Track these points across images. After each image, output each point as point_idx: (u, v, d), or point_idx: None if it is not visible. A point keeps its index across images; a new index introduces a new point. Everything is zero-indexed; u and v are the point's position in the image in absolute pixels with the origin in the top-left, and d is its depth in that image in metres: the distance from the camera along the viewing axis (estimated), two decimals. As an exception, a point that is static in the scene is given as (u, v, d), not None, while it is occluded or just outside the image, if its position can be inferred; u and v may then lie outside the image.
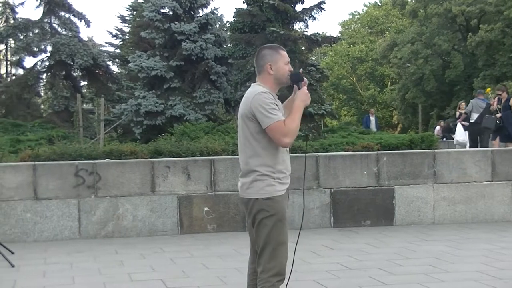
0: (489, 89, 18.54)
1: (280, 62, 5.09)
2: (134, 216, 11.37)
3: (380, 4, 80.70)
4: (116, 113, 31.58)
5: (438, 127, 37.04)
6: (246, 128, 5.03)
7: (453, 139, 24.73)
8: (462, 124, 23.18)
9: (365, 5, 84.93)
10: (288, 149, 5.17)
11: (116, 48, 46.86)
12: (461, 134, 23.03)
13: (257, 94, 4.96)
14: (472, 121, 20.98)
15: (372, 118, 30.36)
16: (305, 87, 5.08)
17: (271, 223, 5.13)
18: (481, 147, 18.89)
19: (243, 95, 18.34)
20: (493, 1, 49.60)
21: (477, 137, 20.58)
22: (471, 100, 22.46)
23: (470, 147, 20.53)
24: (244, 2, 32.33)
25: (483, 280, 7.51)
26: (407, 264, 8.59)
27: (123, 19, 46.72)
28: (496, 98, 19.47)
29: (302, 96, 5.02)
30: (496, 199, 12.29)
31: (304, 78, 5.17)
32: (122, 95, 35.06)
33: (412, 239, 10.50)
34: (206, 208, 11.55)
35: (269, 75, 5.10)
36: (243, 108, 5.06)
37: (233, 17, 32.68)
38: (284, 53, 5.16)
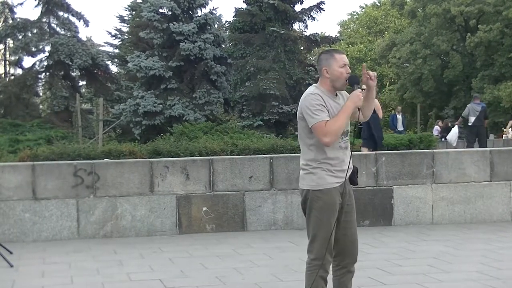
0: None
1: (334, 65, 5.40)
2: (133, 216, 11.36)
3: (379, 4, 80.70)
4: (115, 113, 31.62)
5: (437, 127, 37.01)
6: (300, 126, 5.47)
7: (461, 138, 25.31)
8: (459, 127, 24.16)
9: (361, 7, 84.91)
10: (345, 146, 5.46)
11: (115, 48, 46.87)
12: (451, 134, 24.16)
13: (307, 96, 5.41)
14: (469, 124, 21.91)
15: (399, 117, 28.41)
16: (358, 90, 5.32)
17: (316, 212, 5.43)
18: (479, 147, 19.47)
19: (242, 95, 18.41)
20: (491, 2, 49.63)
21: (475, 138, 21.34)
22: (467, 105, 23.39)
23: (468, 147, 20.82)
24: (244, 2, 32.36)
25: (482, 280, 7.51)
26: (406, 264, 8.59)
27: (122, 19, 46.73)
28: None
29: (353, 98, 5.29)
30: (495, 199, 12.28)
31: (363, 80, 5.45)
32: (121, 95, 35.10)
33: (411, 239, 10.50)
34: (205, 208, 11.54)
35: (326, 78, 5.46)
36: (298, 108, 5.50)
37: (233, 16, 32.72)
38: (340, 56, 5.44)
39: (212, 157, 12.60)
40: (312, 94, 5.38)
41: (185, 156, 13.89)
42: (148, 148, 15.75)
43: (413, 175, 12.07)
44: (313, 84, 5.60)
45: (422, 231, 11.30)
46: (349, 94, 5.51)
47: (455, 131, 24.42)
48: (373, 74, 5.43)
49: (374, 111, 15.22)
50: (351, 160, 5.48)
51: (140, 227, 11.39)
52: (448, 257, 8.98)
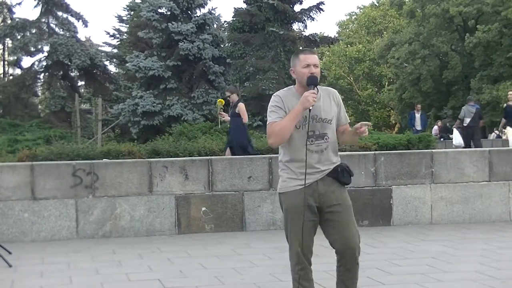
0: (221, 100, 17.15)
1: (298, 66, 5.40)
2: (132, 216, 11.36)
3: (377, 5, 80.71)
4: (114, 113, 31.62)
5: (435, 127, 36.99)
6: None
7: (450, 139, 25.80)
8: (457, 129, 24.82)
9: (359, 7, 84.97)
10: (317, 149, 5.37)
11: (114, 48, 46.85)
12: (456, 138, 24.61)
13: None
14: (465, 125, 23.18)
15: (418, 115, 28.18)
16: (311, 91, 5.23)
17: (284, 216, 5.60)
18: (474, 147, 20.43)
19: (241, 95, 18.36)
20: (490, 2, 49.65)
21: (470, 138, 22.72)
22: (462, 107, 24.29)
23: (465, 147, 21.14)
24: (244, 2, 32.36)
25: (481, 280, 7.51)
26: (405, 264, 8.59)
27: (120, 19, 46.71)
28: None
29: (302, 99, 5.22)
30: (494, 199, 12.29)
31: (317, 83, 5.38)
32: (120, 95, 35.08)
33: (410, 239, 10.50)
34: (203, 208, 11.54)
35: (296, 79, 5.47)
36: None
37: (232, 16, 32.71)
38: (304, 56, 5.40)
39: (211, 157, 12.60)
40: (273, 96, 5.45)
41: (184, 156, 13.89)
42: (147, 148, 15.75)
43: (412, 175, 12.07)
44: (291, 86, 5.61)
45: (421, 231, 11.30)
46: (338, 93, 5.59)
47: (456, 135, 24.94)
48: (362, 130, 5.32)
49: (238, 115, 14.82)
50: (337, 161, 5.44)
51: (139, 227, 11.39)
52: (447, 257, 8.98)
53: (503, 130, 24.30)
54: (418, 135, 19.82)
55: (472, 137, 22.97)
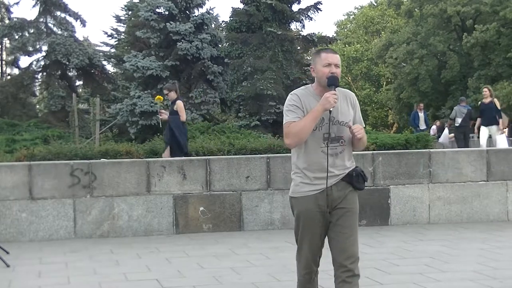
0: (159, 96, 16.55)
1: (318, 64, 5.26)
2: (130, 216, 11.36)
3: (375, 4, 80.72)
4: (112, 113, 31.58)
5: (433, 127, 37.00)
6: None
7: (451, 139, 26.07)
8: (448, 129, 25.28)
9: (357, 7, 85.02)
10: (333, 152, 5.19)
11: (112, 48, 46.80)
12: (442, 137, 25.10)
13: (288, 95, 5.32)
14: (457, 125, 23.51)
15: (421, 114, 27.97)
16: (331, 92, 5.07)
17: (295, 220, 5.38)
18: (464, 147, 20.39)
19: (239, 95, 18.48)
20: (488, 2, 49.66)
21: (463, 138, 23.08)
22: (454, 107, 24.92)
23: (458, 147, 21.29)
24: (241, 2, 32.33)
25: (479, 280, 7.51)
26: (403, 263, 8.60)
27: (118, 19, 46.64)
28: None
29: (322, 100, 5.06)
30: (492, 199, 12.30)
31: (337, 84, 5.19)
32: (118, 95, 35.04)
33: (408, 239, 10.51)
34: (201, 208, 11.54)
35: (315, 77, 5.32)
36: None
37: (230, 16, 32.66)
38: (326, 55, 5.25)
39: (209, 157, 12.60)
40: (290, 95, 5.29)
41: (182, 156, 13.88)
42: (145, 148, 15.75)
43: (410, 174, 12.08)
44: (308, 85, 5.47)
45: (419, 231, 11.31)
46: (355, 96, 5.43)
47: (446, 133, 25.65)
48: (356, 130, 5.16)
49: (177, 113, 14.41)
50: (352, 166, 5.27)
51: (137, 227, 11.39)
52: (444, 256, 8.99)
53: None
54: (416, 134, 19.83)
55: (464, 137, 23.43)
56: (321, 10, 33.29)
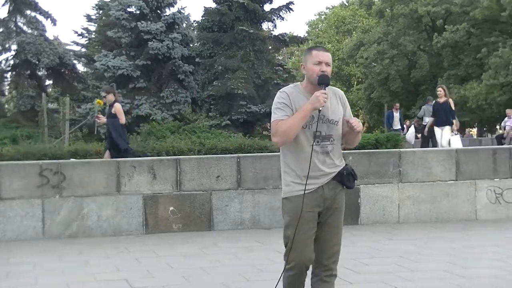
0: (99, 100, 16.35)
1: (308, 62, 5.16)
2: (99, 216, 11.29)
3: (347, 4, 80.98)
4: (82, 113, 31.39)
5: (404, 127, 37.09)
6: None
7: (418, 138, 26.14)
8: (415, 127, 25.40)
9: (328, 8, 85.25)
10: (323, 151, 5.15)
11: (82, 47, 46.56)
12: (408, 134, 25.25)
13: (277, 93, 5.24)
14: (424, 124, 23.30)
15: (396, 114, 27.56)
16: (322, 91, 5.01)
17: (285, 220, 5.33)
18: (432, 146, 20.28)
19: (210, 94, 18.36)
20: (458, 2, 49.96)
21: (429, 137, 22.64)
22: (422, 107, 25.60)
23: (423, 146, 21.29)
24: (214, 1, 32.33)
25: (448, 279, 7.55)
26: (372, 263, 8.62)
27: (89, 18, 46.42)
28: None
29: (312, 99, 5.00)
30: (461, 198, 12.37)
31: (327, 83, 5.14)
32: (88, 95, 34.81)
33: (378, 238, 10.54)
34: (171, 208, 11.50)
35: (305, 75, 5.23)
36: None
37: (202, 16, 32.65)
38: (316, 53, 5.17)
39: (179, 156, 12.57)
40: (279, 92, 5.19)
41: (152, 156, 13.84)
42: (115, 148, 15.65)
43: (380, 174, 12.12)
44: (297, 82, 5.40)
45: (388, 230, 11.35)
46: (344, 94, 5.39)
47: (411, 131, 25.90)
48: (355, 124, 5.15)
49: (115, 116, 14.14)
50: (342, 164, 5.26)
51: (107, 227, 11.32)
52: (414, 256, 9.02)
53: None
54: (386, 134, 19.90)
55: (430, 135, 22.83)
56: (292, 10, 33.39)
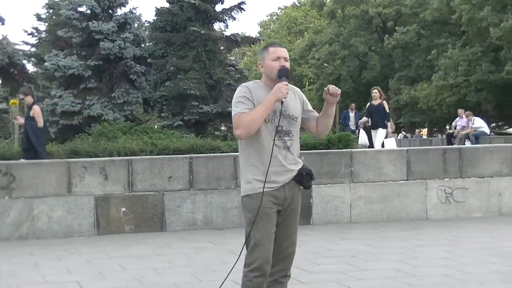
0: (14, 101, 16.24)
1: (266, 59, 5.16)
2: (50, 217, 11.18)
3: (298, 5, 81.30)
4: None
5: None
6: None
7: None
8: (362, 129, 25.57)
9: (280, 8, 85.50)
10: (284, 146, 5.10)
11: (32, 47, 46.09)
12: (361, 137, 25.24)
13: (237, 88, 5.19)
14: (369, 125, 23.38)
15: (352, 115, 27.41)
16: (283, 82, 5.00)
17: (246, 220, 5.14)
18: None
19: (162, 95, 18.28)
20: (409, 4, 50.49)
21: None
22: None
23: (368, 146, 21.38)
24: (167, 1, 32.23)
25: (399, 278, 7.61)
26: (324, 262, 8.65)
27: (39, 17, 45.98)
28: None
29: (274, 90, 4.97)
30: (411, 198, 12.49)
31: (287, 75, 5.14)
32: (38, 95, 34.47)
33: (330, 238, 10.59)
34: (123, 209, 11.43)
35: (263, 73, 5.22)
36: None
37: (154, 16, 32.52)
38: (274, 49, 5.19)
39: (131, 157, 12.49)
40: (240, 87, 5.16)
41: (103, 157, 13.72)
42: (66, 148, 15.50)
43: (332, 174, 12.18)
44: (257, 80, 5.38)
45: (340, 230, 11.41)
46: (301, 92, 5.37)
47: (363, 133, 25.78)
48: (333, 90, 5.17)
49: (33, 118, 14.17)
50: (300, 164, 5.18)
51: (57, 228, 11.21)
52: (365, 255, 9.08)
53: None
54: (337, 134, 19.98)
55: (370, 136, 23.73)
56: (244, 10, 33.38)
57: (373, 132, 18.84)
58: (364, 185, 12.32)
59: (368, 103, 19.91)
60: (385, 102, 18.84)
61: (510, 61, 39.37)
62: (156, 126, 26.21)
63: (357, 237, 10.71)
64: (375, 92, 19.12)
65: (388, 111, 18.76)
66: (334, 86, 5.21)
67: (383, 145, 17.67)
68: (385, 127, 18.30)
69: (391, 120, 19.41)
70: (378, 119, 18.58)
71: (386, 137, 18.29)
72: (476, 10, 40.80)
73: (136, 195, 11.50)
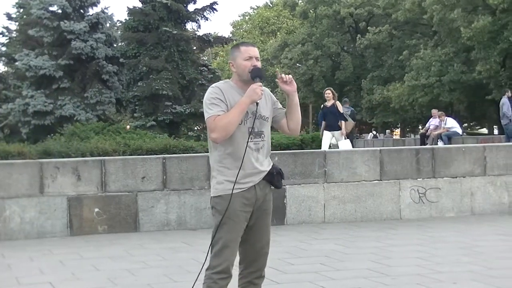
0: None
1: (238, 58, 5.06)
2: (22, 218, 11.09)
3: (271, 5, 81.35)
4: (3, 113, 30.88)
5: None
6: None
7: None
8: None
9: (252, 8, 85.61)
10: (256, 147, 5.09)
11: (2, 46, 45.80)
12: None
13: (208, 89, 5.03)
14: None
15: None
16: (258, 83, 4.95)
17: (216, 221, 5.09)
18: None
19: (135, 95, 18.18)
20: (382, 5, 50.70)
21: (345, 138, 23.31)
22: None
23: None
24: (139, 1, 32.17)
25: (372, 277, 7.63)
26: (298, 263, 8.66)
27: (9, 16, 45.68)
28: None
29: (248, 92, 4.92)
30: (385, 198, 12.53)
31: (263, 75, 5.12)
32: (9, 95, 34.27)
33: (303, 238, 10.59)
34: (96, 209, 11.37)
35: (234, 72, 5.12)
36: None
37: (127, 15, 32.46)
38: (245, 48, 5.09)
39: (104, 157, 12.44)
40: (211, 87, 5.04)
41: (76, 157, 13.66)
42: (38, 149, 15.44)
43: (305, 174, 12.19)
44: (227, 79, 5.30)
45: (314, 230, 11.42)
46: (270, 92, 5.31)
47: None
48: (287, 77, 5.15)
49: None
50: (270, 164, 5.19)
51: (30, 229, 11.13)
52: (339, 255, 9.10)
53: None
54: (311, 134, 20.01)
55: (347, 137, 23.79)
56: (216, 11, 33.46)
57: (327, 133, 18.50)
58: (337, 185, 12.34)
59: (322, 105, 19.61)
60: (338, 103, 18.58)
61: (480, 61, 39.66)
62: (129, 127, 26.11)
63: (331, 237, 10.73)
64: (328, 93, 18.88)
65: (341, 111, 18.49)
66: (284, 72, 5.15)
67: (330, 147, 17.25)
68: (340, 128, 18.05)
69: (349, 119, 19.26)
70: (332, 121, 18.33)
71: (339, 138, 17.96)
72: (447, 10, 41.05)
73: (109, 195, 11.44)
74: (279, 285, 7.42)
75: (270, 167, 5.18)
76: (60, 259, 9.20)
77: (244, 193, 5.01)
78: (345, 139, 18.04)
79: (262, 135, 5.13)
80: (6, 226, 11.03)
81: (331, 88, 19.76)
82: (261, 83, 5.00)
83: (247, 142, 4.97)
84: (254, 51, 5.11)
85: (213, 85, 5.11)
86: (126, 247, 10.08)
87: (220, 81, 5.20)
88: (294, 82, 5.19)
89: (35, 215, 11.14)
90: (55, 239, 11.01)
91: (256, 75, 5.01)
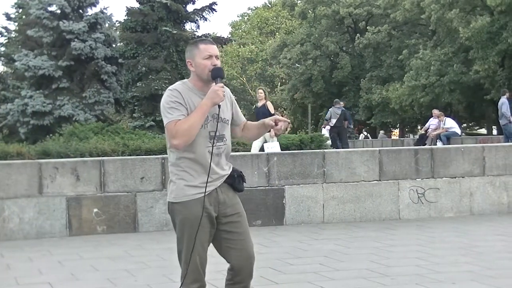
0: None
1: (197, 57, 4.84)
2: (21, 218, 11.09)
3: (270, 5, 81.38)
4: (2, 113, 30.85)
5: (327, 127, 37.49)
6: None
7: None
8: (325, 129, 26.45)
9: (251, 8, 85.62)
10: (218, 152, 4.87)
11: (1, 46, 45.79)
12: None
13: (165, 92, 4.85)
14: (331, 125, 25.37)
15: None
16: (219, 84, 4.74)
17: (176, 228, 5.00)
18: (341, 146, 21.56)
19: (134, 95, 18.25)
20: (382, 5, 50.73)
21: (337, 137, 24.72)
22: (329, 109, 26.74)
23: (332, 146, 21.59)
24: (137, 1, 32.14)
25: (372, 278, 7.63)
26: (298, 263, 8.66)
27: (8, 16, 45.67)
28: None
29: (209, 94, 4.70)
30: (384, 198, 12.53)
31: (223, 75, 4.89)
32: (8, 95, 34.21)
33: (303, 238, 10.59)
34: (95, 210, 11.37)
35: (192, 72, 4.90)
36: None
37: (125, 16, 32.42)
38: (205, 46, 4.85)
39: (103, 157, 12.43)
40: (169, 90, 4.81)
41: (75, 157, 13.65)
42: (37, 149, 15.41)
43: (304, 174, 12.19)
44: (184, 80, 5.03)
45: (313, 230, 11.42)
46: (230, 92, 5.10)
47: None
48: (278, 128, 4.95)
49: None
50: (230, 167, 4.98)
51: (29, 229, 11.13)
52: (338, 255, 9.10)
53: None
54: (310, 135, 20.02)
55: (338, 137, 24.91)
56: (216, 11, 33.41)
57: None
58: (336, 186, 12.34)
59: (254, 106, 19.16)
60: (269, 103, 18.14)
61: (478, 60, 39.66)
62: (127, 127, 26.09)
63: (330, 237, 10.73)
64: (260, 92, 18.57)
65: (272, 112, 17.81)
66: (283, 120, 4.98)
67: (262, 149, 16.69)
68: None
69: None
70: None
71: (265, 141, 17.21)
72: (445, 10, 41.06)
73: (108, 195, 11.44)
74: (278, 285, 7.42)
75: (231, 170, 4.99)
76: (59, 260, 9.20)
77: (206, 198, 4.81)
78: (272, 141, 17.05)
79: (224, 139, 4.92)
80: (5, 227, 11.03)
81: (263, 88, 19.51)
82: (222, 84, 4.79)
83: (212, 147, 4.77)
84: (214, 49, 4.87)
85: (170, 87, 4.89)
86: (125, 247, 10.08)
87: (178, 82, 4.97)
88: (282, 128, 4.99)
89: (34, 216, 11.14)
90: (54, 240, 11.02)
91: (217, 75, 4.78)
